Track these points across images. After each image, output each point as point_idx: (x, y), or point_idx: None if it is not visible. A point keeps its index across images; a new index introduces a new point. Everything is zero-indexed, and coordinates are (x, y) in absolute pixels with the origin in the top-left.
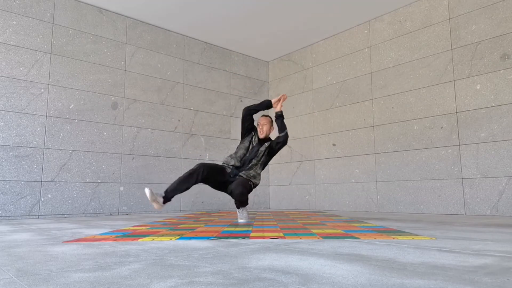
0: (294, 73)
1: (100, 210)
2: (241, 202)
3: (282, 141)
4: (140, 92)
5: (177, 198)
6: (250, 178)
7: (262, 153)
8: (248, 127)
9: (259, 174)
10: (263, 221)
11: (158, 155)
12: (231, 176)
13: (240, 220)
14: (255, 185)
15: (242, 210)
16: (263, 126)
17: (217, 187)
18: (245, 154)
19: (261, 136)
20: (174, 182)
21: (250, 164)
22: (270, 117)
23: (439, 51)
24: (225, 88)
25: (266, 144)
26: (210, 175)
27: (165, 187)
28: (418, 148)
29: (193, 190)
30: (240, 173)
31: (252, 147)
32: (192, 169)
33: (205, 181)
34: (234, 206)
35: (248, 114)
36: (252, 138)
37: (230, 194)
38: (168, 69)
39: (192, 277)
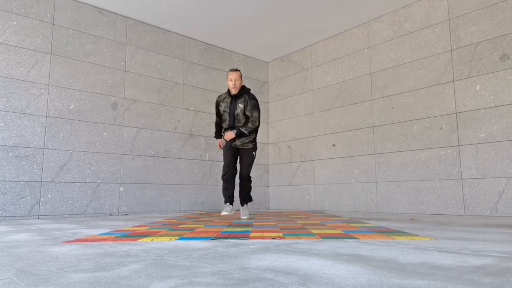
0: (294, 74)
1: (100, 211)
2: (246, 195)
3: (251, 121)
4: (140, 92)
5: (176, 199)
6: (247, 131)
7: (241, 109)
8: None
9: (255, 132)
10: (263, 222)
11: (158, 156)
12: (239, 145)
13: (243, 217)
14: (255, 145)
15: (245, 207)
16: (236, 81)
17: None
18: (229, 116)
19: (234, 91)
20: (224, 193)
21: (238, 118)
22: (239, 71)
23: (438, 51)
24: (225, 88)
25: (241, 106)
26: (235, 162)
27: (165, 187)
28: (418, 148)
29: (193, 191)
30: (240, 142)
31: (231, 106)
32: (223, 179)
33: (236, 161)
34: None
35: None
36: (224, 106)
37: (240, 176)
38: (168, 70)
39: (192, 277)
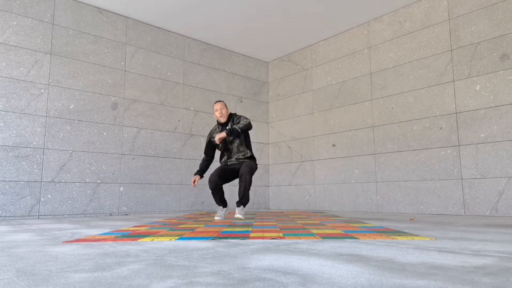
0: (294, 74)
1: (100, 211)
2: (245, 191)
3: (242, 122)
4: (140, 92)
5: (176, 199)
6: (247, 158)
7: (230, 126)
8: (211, 150)
9: (251, 152)
10: (263, 222)
11: (158, 156)
12: (235, 162)
13: (238, 216)
14: (256, 165)
15: (241, 208)
16: (221, 110)
17: (233, 178)
18: (225, 147)
19: (223, 119)
20: (215, 198)
21: (235, 148)
22: (222, 101)
23: (438, 51)
24: (225, 88)
25: (229, 126)
26: (221, 177)
27: (165, 187)
28: (418, 148)
29: (193, 191)
30: (236, 158)
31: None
32: (211, 189)
33: (223, 182)
34: (234, 206)
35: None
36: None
37: (240, 176)
38: (168, 70)
39: (192, 277)
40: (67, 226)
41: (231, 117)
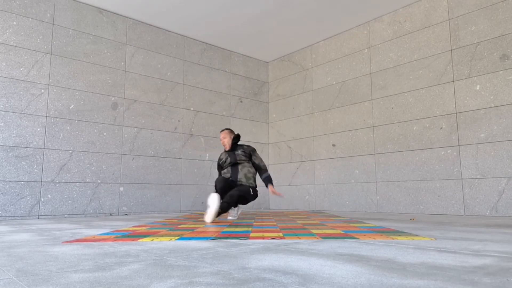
0: (294, 74)
1: (100, 211)
2: (230, 203)
3: (257, 164)
4: (140, 92)
5: (176, 199)
6: (249, 180)
7: (240, 156)
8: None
9: (253, 174)
10: (263, 222)
11: (158, 156)
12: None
13: (229, 217)
14: (254, 189)
15: (235, 209)
16: (224, 139)
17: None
18: (230, 166)
19: (228, 147)
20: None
21: (240, 167)
22: (226, 130)
23: (438, 51)
24: (225, 88)
25: (239, 151)
26: (224, 188)
27: (165, 187)
28: (418, 148)
29: (193, 191)
30: (239, 179)
31: (229, 159)
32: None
33: (226, 191)
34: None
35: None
36: (224, 162)
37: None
38: (168, 70)
39: (192, 277)
40: (67, 226)
41: (236, 146)
